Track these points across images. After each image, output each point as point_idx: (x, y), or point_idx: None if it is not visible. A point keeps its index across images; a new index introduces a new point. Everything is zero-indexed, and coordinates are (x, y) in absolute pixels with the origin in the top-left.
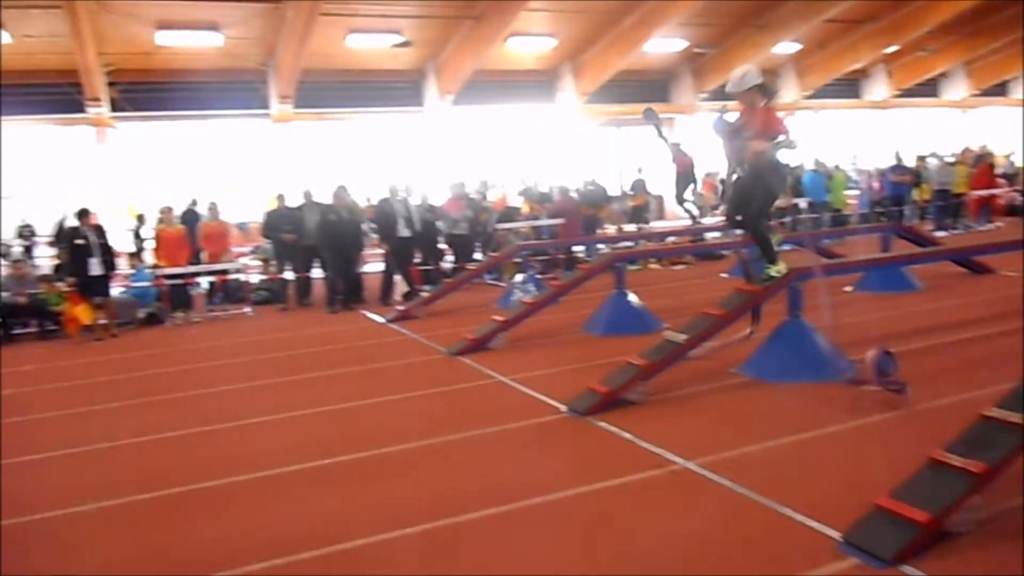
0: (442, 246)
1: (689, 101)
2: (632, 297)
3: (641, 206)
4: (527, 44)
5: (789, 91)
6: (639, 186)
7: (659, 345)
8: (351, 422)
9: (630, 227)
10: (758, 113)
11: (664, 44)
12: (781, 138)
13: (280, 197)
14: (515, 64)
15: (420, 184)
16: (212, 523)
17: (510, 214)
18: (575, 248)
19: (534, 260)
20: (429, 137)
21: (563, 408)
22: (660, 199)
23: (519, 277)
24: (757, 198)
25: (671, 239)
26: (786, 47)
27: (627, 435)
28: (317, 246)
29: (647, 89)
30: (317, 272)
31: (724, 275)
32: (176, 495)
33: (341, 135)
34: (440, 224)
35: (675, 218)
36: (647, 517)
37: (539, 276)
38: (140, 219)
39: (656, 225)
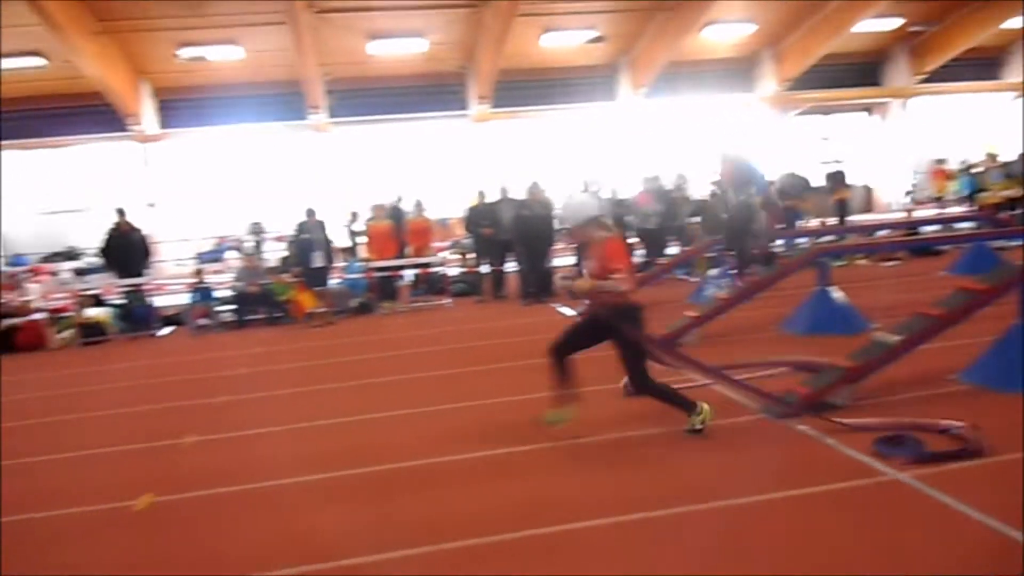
0: (633, 240)
1: (905, 84)
2: (837, 294)
3: (845, 199)
4: (723, 32)
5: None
6: (838, 177)
7: (868, 346)
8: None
9: (832, 220)
10: (594, 247)
11: (875, 23)
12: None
13: (480, 193)
14: (710, 53)
15: (611, 178)
16: (423, 498)
17: (703, 207)
18: (774, 242)
19: (728, 255)
20: (621, 131)
21: (759, 409)
22: (868, 190)
23: (713, 272)
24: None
25: (881, 233)
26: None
27: (829, 441)
28: (511, 240)
29: (855, 72)
30: (512, 266)
31: (944, 273)
32: (381, 472)
33: (535, 132)
34: (631, 218)
35: (885, 211)
36: (851, 529)
37: (734, 271)
38: (353, 216)
39: (862, 218)
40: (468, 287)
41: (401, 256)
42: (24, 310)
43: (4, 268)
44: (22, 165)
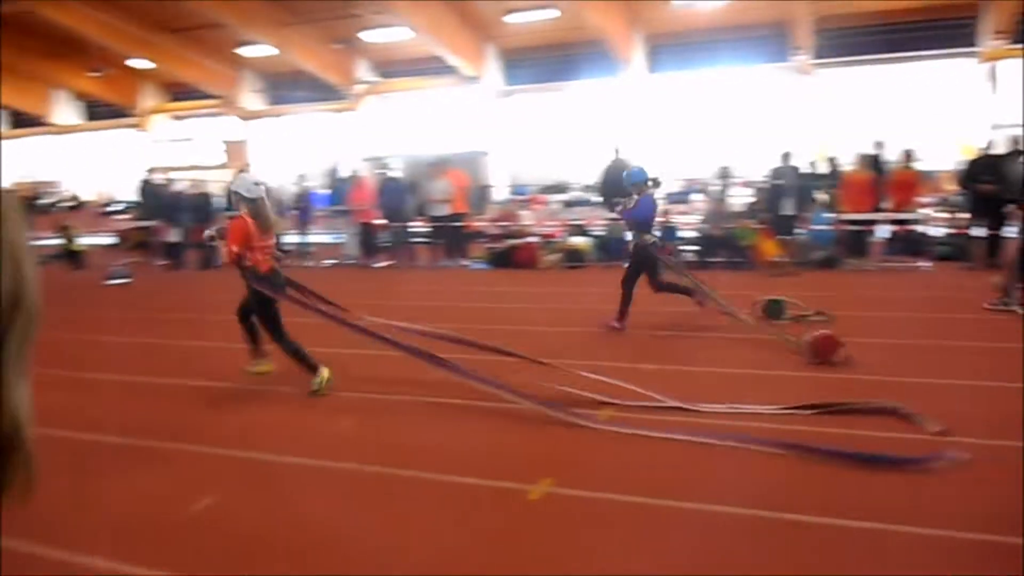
0: None
1: None
2: None
3: None
4: None
5: None
6: None
7: None
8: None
9: None
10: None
11: None
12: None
13: (987, 144)
14: None
15: None
16: None
17: None
18: None
19: None
20: None
21: None
22: None
23: None
24: None
25: None
26: None
27: None
28: (1018, 200)
29: None
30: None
31: None
32: None
33: None
34: None
35: None
36: None
37: None
38: (832, 162)
39: None
40: (954, 250)
41: (878, 210)
42: (523, 233)
43: (509, 196)
44: (534, 106)
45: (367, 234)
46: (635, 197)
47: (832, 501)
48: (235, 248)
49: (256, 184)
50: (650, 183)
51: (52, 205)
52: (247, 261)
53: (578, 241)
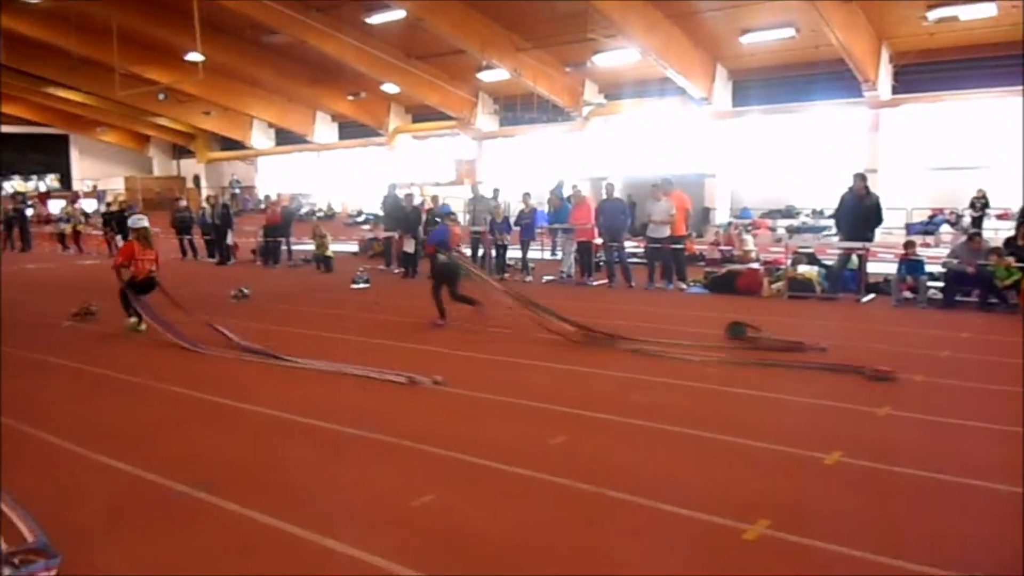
0: None
1: None
2: None
3: None
4: None
5: None
6: None
7: None
8: None
9: None
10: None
11: None
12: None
13: None
14: None
15: None
16: None
17: None
18: None
19: None
20: None
21: None
22: None
23: None
24: None
25: None
26: None
27: None
28: None
29: None
30: None
31: None
32: None
33: None
34: None
35: None
36: None
37: None
38: None
39: None
40: None
41: None
42: (746, 258)
43: (732, 220)
44: (763, 128)
45: (585, 252)
46: (438, 222)
47: None
48: (120, 260)
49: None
50: (452, 215)
51: (310, 214)
52: (130, 270)
53: (805, 270)
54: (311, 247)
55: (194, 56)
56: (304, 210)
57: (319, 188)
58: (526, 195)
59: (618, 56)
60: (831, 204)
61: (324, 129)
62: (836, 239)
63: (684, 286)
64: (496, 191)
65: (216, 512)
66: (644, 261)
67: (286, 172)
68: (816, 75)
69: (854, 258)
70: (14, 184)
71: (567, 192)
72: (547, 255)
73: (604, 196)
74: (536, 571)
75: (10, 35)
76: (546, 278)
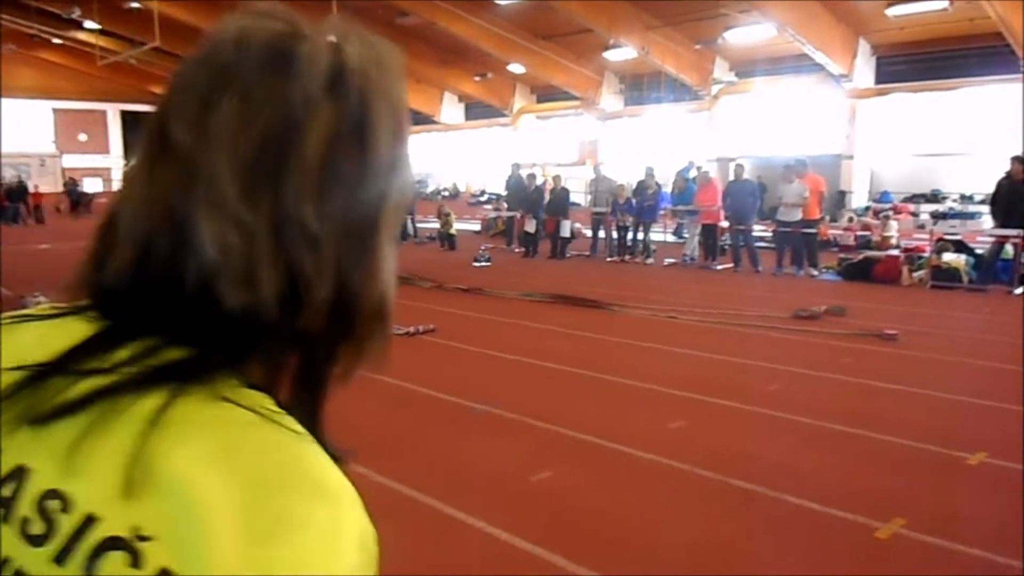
0: None
1: None
2: None
3: None
4: None
5: None
6: None
7: None
8: None
9: None
10: None
11: None
12: None
13: None
14: None
15: None
16: None
17: None
18: None
19: None
20: None
21: None
22: None
23: None
24: None
25: None
26: None
27: None
28: None
29: None
30: None
31: None
32: None
33: None
34: None
35: None
36: None
37: None
38: None
39: None
40: None
41: None
42: (885, 245)
43: (870, 203)
44: (906, 106)
45: (710, 235)
46: None
47: None
48: None
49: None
50: None
51: (436, 193)
52: None
53: (951, 258)
54: (436, 225)
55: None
56: (429, 189)
57: (445, 167)
58: (649, 171)
59: (751, 32)
60: (982, 189)
61: (451, 110)
62: (989, 227)
63: (815, 272)
64: (650, 170)
65: None
66: (772, 245)
67: (413, 152)
68: (969, 51)
69: (1008, 247)
70: None
71: (692, 174)
72: (671, 238)
73: (732, 177)
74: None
75: (165, 20)
76: (668, 261)
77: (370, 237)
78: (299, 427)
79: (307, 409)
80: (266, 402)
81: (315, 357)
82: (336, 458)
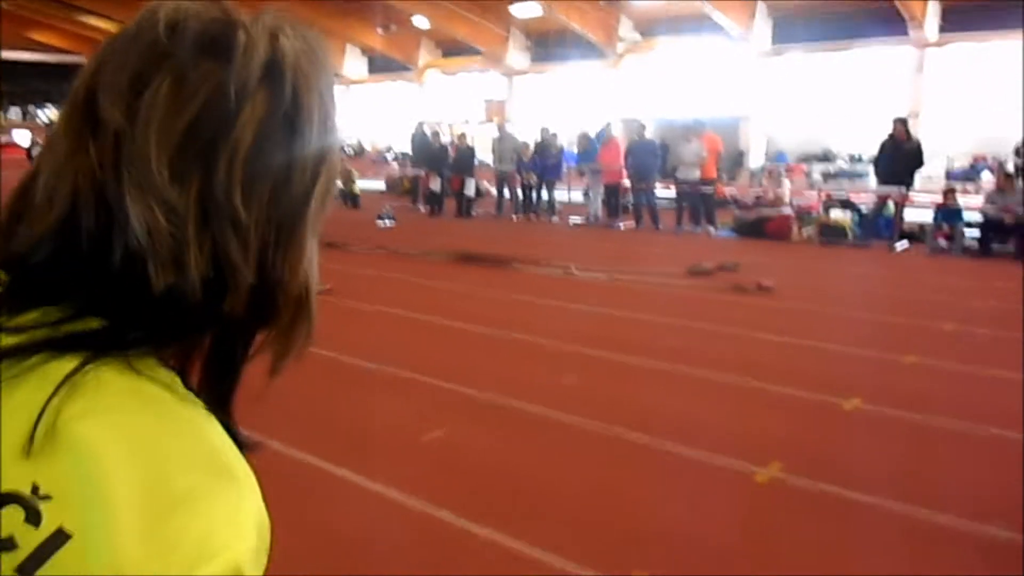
0: None
1: None
2: None
3: None
4: None
5: None
6: None
7: None
8: None
9: None
10: None
11: None
12: None
13: None
14: None
15: None
16: None
17: None
18: None
19: None
20: None
21: None
22: None
23: None
24: None
25: None
26: None
27: None
28: None
29: None
30: None
31: None
32: None
33: None
34: None
35: None
36: None
37: None
38: None
39: None
40: None
41: None
42: (777, 203)
43: (766, 163)
44: (801, 68)
45: (612, 194)
46: None
47: None
48: None
49: None
50: None
51: (340, 149)
52: None
53: (838, 216)
54: (338, 184)
55: None
56: None
57: (348, 124)
58: (545, 131)
59: None
60: (870, 150)
61: (354, 63)
62: (874, 186)
63: (712, 230)
64: (553, 134)
65: None
66: (674, 204)
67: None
68: (861, 12)
69: (890, 205)
70: (49, 113)
71: (595, 132)
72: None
73: (635, 138)
74: None
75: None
76: (573, 220)
77: (296, 226)
78: (206, 410)
79: (218, 394)
80: (178, 382)
81: (232, 343)
82: (242, 446)
